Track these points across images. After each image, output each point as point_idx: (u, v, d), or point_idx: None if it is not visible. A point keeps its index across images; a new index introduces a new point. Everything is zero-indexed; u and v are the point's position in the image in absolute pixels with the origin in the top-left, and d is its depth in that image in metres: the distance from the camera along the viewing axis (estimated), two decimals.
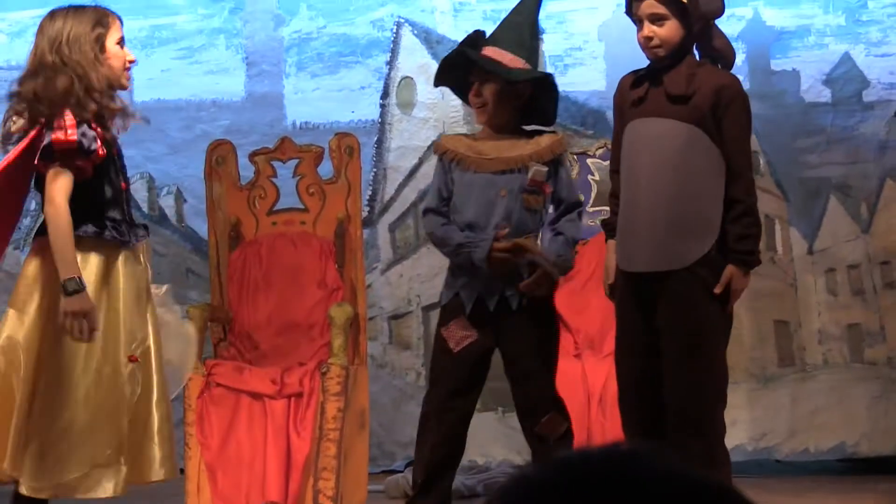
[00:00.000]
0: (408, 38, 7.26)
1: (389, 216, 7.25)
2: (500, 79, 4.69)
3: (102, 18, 4.37)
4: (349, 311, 5.94)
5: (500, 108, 4.74)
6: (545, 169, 4.70)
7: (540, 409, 4.72)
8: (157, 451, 4.41)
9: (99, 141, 4.22)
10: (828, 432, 7.03)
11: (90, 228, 4.28)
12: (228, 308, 6.23)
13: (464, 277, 4.73)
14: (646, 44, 4.52)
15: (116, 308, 4.34)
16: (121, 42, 4.40)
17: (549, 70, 7.31)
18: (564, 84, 7.29)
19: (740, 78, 7.19)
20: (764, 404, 7.08)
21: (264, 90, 7.30)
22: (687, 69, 4.51)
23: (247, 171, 6.50)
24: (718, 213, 4.49)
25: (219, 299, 6.27)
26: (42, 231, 4.26)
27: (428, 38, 7.09)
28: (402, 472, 6.40)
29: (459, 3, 7.24)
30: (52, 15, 4.40)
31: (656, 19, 4.50)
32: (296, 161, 6.43)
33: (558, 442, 4.70)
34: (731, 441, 6.34)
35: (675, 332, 4.50)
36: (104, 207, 4.32)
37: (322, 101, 7.27)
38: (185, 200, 7.24)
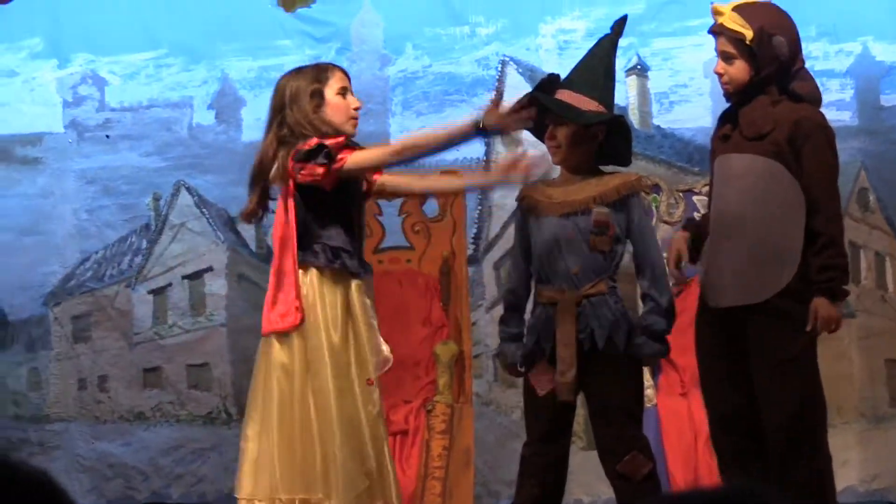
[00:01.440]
0: (512, 76, 7.28)
1: (495, 253, 7.25)
2: (573, 122, 4.71)
3: (321, 72, 4.62)
4: (454, 349, 5.95)
5: (573, 151, 4.77)
6: (606, 210, 4.69)
7: (620, 448, 4.68)
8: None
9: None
10: None
11: (331, 259, 4.51)
12: None
13: (542, 320, 4.73)
14: (719, 80, 4.60)
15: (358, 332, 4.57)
16: (342, 92, 4.60)
17: (654, 107, 7.30)
18: (670, 121, 7.29)
19: (848, 114, 7.21)
20: (875, 445, 6.95)
21: (370, 129, 7.34)
22: (762, 107, 4.52)
23: None
24: (799, 245, 4.48)
25: None
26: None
27: (532, 76, 7.09)
28: None
29: (564, 42, 7.25)
30: (280, 80, 4.70)
31: (727, 57, 4.58)
32: (401, 199, 6.47)
33: (641, 483, 4.66)
34: (841, 482, 6.23)
35: (762, 363, 4.49)
36: (326, 238, 4.53)
37: None
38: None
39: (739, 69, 4.57)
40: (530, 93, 4.81)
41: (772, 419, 4.50)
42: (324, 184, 4.44)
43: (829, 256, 4.46)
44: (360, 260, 4.63)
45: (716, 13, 4.61)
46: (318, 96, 4.57)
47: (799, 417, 4.49)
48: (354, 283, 4.59)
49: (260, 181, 4.62)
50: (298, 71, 4.69)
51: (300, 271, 4.51)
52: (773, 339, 4.49)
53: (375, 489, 4.46)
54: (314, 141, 4.44)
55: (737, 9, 4.57)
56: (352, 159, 4.46)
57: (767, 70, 4.53)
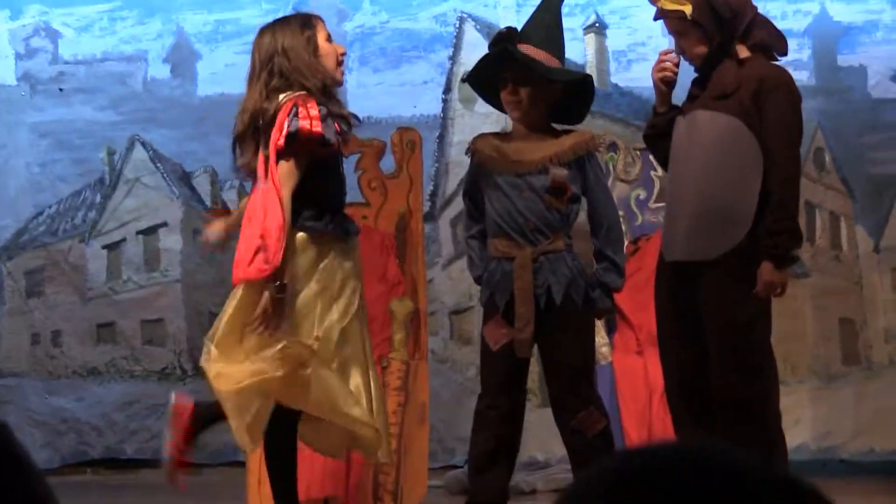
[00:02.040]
0: (470, 33, 7.26)
1: (451, 211, 7.24)
2: (537, 78, 4.68)
3: (307, 21, 4.56)
4: (410, 306, 5.94)
5: (534, 108, 4.76)
6: (565, 172, 4.69)
7: (575, 404, 4.70)
8: None
9: (336, 136, 4.39)
10: (893, 432, 6.95)
11: (310, 221, 4.46)
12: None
13: (497, 275, 4.74)
14: (682, 56, 4.59)
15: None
16: (329, 38, 4.57)
17: (612, 65, 7.29)
18: (628, 80, 7.29)
19: (805, 73, 7.23)
20: (828, 403, 7.01)
21: None
22: (728, 68, 4.52)
23: None
24: (752, 205, 4.47)
25: None
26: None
27: (490, 32, 7.05)
28: (462, 467, 6.40)
29: None
30: (261, 33, 4.57)
31: (679, 36, 4.57)
32: (357, 155, 6.44)
33: (595, 439, 4.68)
34: (794, 439, 6.29)
35: (711, 323, 4.51)
36: (320, 202, 4.48)
37: (384, 95, 7.28)
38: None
39: (694, 43, 4.57)
40: (502, 46, 4.76)
41: (719, 378, 4.51)
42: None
43: (778, 220, 4.45)
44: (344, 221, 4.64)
45: (652, 0, 4.60)
46: (312, 42, 4.50)
47: (745, 377, 4.49)
48: (351, 246, 4.62)
49: (253, 134, 4.50)
50: (283, 21, 4.61)
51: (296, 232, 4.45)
52: (722, 299, 4.50)
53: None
54: (304, 127, 4.32)
55: None
56: (290, 165, 4.36)
57: (718, 36, 4.53)
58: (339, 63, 4.58)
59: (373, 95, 7.29)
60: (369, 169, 6.37)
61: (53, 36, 7.46)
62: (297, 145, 4.31)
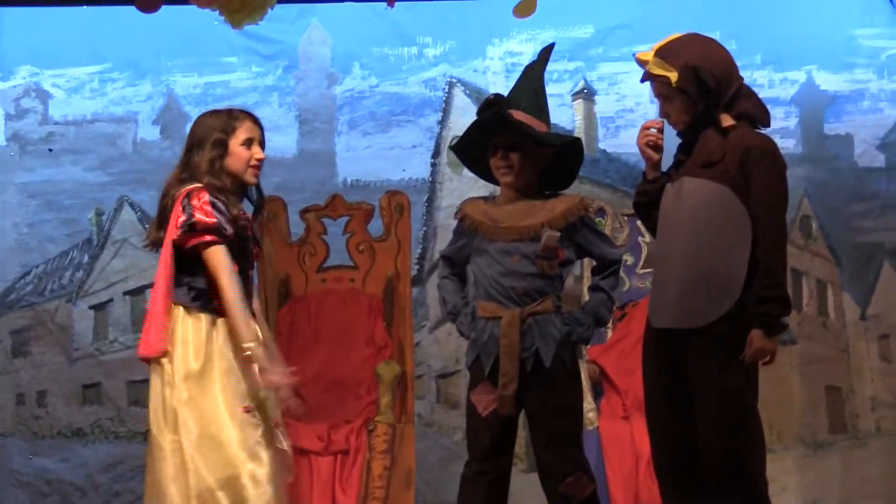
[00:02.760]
0: (459, 98, 7.30)
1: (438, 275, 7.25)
2: (528, 143, 4.72)
3: (230, 121, 4.78)
4: (397, 370, 5.94)
5: (525, 173, 4.79)
6: (557, 234, 4.72)
7: (563, 469, 4.69)
8: None
9: (230, 225, 4.64)
10: (881, 500, 6.93)
11: (196, 298, 4.69)
12: None
13: (485, 336, 4.74)
14: (667, 121, 4.62)
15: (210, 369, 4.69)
16: (247, 142, 4.75)
17: (600, 131, 7.33)
18: (616, 146, 7.32)
19: (792, 141, 7.28)
20: (815, 471, 7.00)
21: (316, 147, 7.34)
22: (711, 136, 4.54)
23: (297, 228, 6.53)
24: (742, 273, 4.47)
25: None
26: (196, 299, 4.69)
27: (479, 97, 7.10)
28: None
29: (511, 64, 7.27)
30: (197, 118, 4.87)
31: (664, 100, 4.60)
32: (346, 218, 6.46)
33: (584, 502, 4.68)
34: None
35: (699, 390, 4.50)
36: (201, 282, 4.69)
37: (373, 159, 7.31)
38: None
39: (679, 109, 4.60)
40: (494, 112, 4.79)
41: (707, 446, 4.50)
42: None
43: (766, 287, 4.45)
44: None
45: (641, 62, 4.63)
46: (221, 146, 4.73)
47: (733, 445, 4.47)
48: (219, 322, 4.70)
49: (162, 211, 4.78)
50: (213, 114, 4.85)
51: (173, 307, 4.71)
52: (710, 367, 4.49)
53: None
54: (183, 217, 4.61)
55: (659, 52, 4.59)
56: (214, 254, 4.63)
57: (703, 103, 4.55)
58: (252, 166, 4.77)
59: (362, 159, 7.32)
60: (357, 232, 6.39)
61: (44, 97, 7.48)
62: (201, 234, 4.61)
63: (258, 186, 4.86)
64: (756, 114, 4.62)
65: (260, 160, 4.80)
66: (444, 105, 7.33)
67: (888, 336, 7.17)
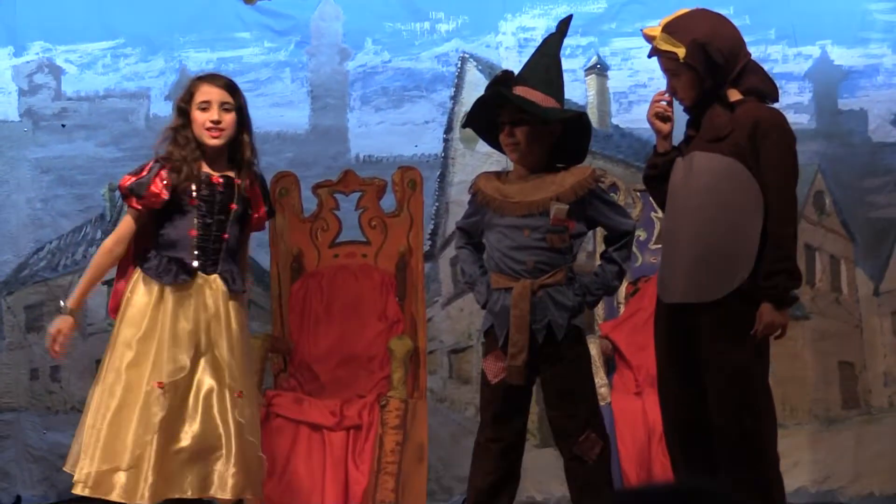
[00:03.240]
0: (472, 73, 7.28)
1: (451, 250, 7.24)
2: (533, 119, 4.71)
3: (188, 92, 4.93)
4: (409, 345, 5.94)
5: (532, 148, 4.77)
6: (566, 207, 4.71)
7: (575, 429, 4.71)
8: (186, 471, 4.71)
9: (159, 188, 4.78)
10: (893, 476, 6.93)
11: (143, 262, 4.88)
12: (289, 339, 6.25)
13: (497, 307, 4.76)
14: (674, 96, 4.61)
15: (151, 337, 4.77)
16: (203, 106, 4.87)
17: (613, 107, 7.32)
18: (629, 121, 7.31)
19: (806, 117, 7.25)
20: (827, 446, 6.99)
21: (328, 123, 7.34)
22: (720, 111, 4.53)
23: (310, 204, 6.53)
24: (754, 247, 4.46)
25: (280, 330, 6.29)
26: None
27: (492, 73, 7.07)
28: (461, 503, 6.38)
29: (524, 39, 7.26)
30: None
31: (672, 75, 4.59)
32: (359, 194, 6.46)
33: (595, 462, 4.70)
34: (792, 483, 6.27)
35: (711, 365, 4.49)
36: (161, 247, 4.86)
37: (386, 134, 7.30)
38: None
39: (686, 84, 4.57)
40: (494, 89, 4.80)
41: (718, 421, 4.50)
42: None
43: (776, 260, 4.43)
44: (179, 266, 4.83)
45: (648, 38, 4.62)
46: (181, 114, 4.91)
47: (744, 421, 4.47)
48: (168, 289, 4.83)
49: None
50: (189, 83, 5.02)
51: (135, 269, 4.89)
52: (721, 342, 4.48)
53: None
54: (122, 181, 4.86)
55: (666, 28, 4.57)
56: (125, 216, 4.91)
57: (710, 79, 4.53)
58: (207, 128, 4.87)
59: (374, 134, 7.31)
60: (370, 207, 6.39)
61: (56, 73, 7.48)
62: (122, 197, 4.89)
63: (253, 148, 4.93)
64: (764, 89, 4.61)
65: (214, 122, 4.86)
66: (456, 80, 7.31)
67: None
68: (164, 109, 7.44)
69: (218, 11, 7.29)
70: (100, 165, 7.40)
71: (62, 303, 4.97)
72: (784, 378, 6.81)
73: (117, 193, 7.36)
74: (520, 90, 4.75)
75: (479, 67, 7.28)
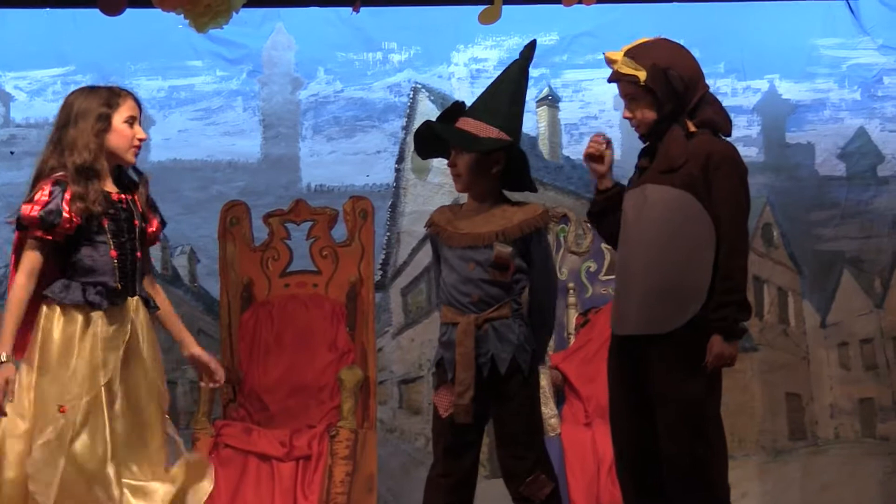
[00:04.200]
0: (424, 104, 7.30)
1: (402, 280, 7.25)
2: (466, 150, 4.73)
3: (112, 98, 4.62)
4: (359, 375, 5.94)
5: (475, 178, 4.79)
6: (508, 249, 4.72)
7: (523, 470, 4.71)
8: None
9: (70, 214, 4.47)
10: None
11: (59, 293, 4.54)
12: (239, 369, 6.22)
13: (445, 339, 4.76)
14: (630, 123, 4.64)
15: (47, 364, 4.50)
16: (130, 120, 4.62)
17: (564, 138, 7.35)
18: (580, 153, 7.27)
19: (754, 150, 7.32)
20: (775, 478, 7.03)
21: (280, 152, 7.33)
22: (675, 140, 4.56)
23: (260, 233, 6.52)
24: (706, 279, 4.48)
25: (229, 360, 6.26)
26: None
27: (444, 103, 7.12)
28: None
29: (476, 70, 7.29)
30: (71, 93, 4.68)
31: (630, 101, 4.62)
32: (310, 223, 6.46)
33: (543, 503, 4.69)
34: None
35: (663, 397, 4.49)
36: (79, 273, 4.55)
37: (337, 164, 7.31)
38: (198, 260, 7.25)
39: (644, 110, 4.60)
40: (425, 122, 4.83)
41: (669, 452, 4.50)
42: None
43: (726, 292, 4.45)
44: (97, 291, 4.58)
45: (610, 62, 4.65)
46: (104, 120, 4.59)
47: (695, 452, 4.48)
48: (95, 316, 4.57)
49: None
50: (91, 90, 4.68)
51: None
52: (673, 373, 4.49)
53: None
54: (24, 212, 4.51)
55: (629, 53, 4.62)
56: (27, 247, 4.51)
57: (669, 105, 4.56)
58: (133, 146, 4.65)
59: (326, 164, 7.31)
60: (321, 237, 6.38)
61: (6, 99, 7.44)
62: (27, 229, 4.50)
63: (135, 167, 4.72)
64: (718, 122, 4.65)
65: (142, 140, 4.69)
66: (408, 111, 7.33)
67: (847, 344, 7.22)
68: None
69: (170, 39, 7.27)
70: None
71: (2, 354, 4.46)
72: (732, 409, 6.85)
73: None
74: (462, 122, 4.77)
75: (431, 98, 7.31)
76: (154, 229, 4.75)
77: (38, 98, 7.43)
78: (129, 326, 4.58)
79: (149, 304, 4.67)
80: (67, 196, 4.48)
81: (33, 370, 4.49)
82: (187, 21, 5.68)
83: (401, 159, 7.31)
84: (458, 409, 4.68)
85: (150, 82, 7.40)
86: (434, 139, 4.86)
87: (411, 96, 7.34)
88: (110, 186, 4.63)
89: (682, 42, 4.77)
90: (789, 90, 7.34)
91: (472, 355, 4.68)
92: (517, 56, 4.96)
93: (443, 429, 4.76)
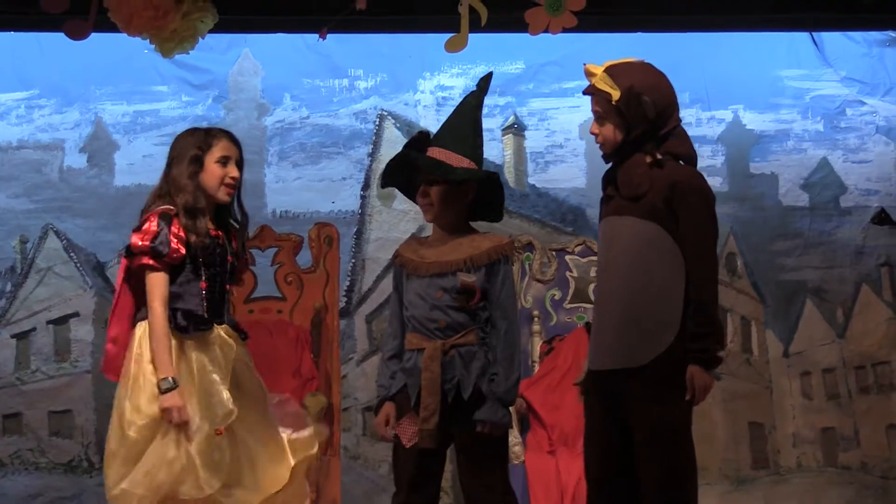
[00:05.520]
0: (390, 131, 7.31)
1: (367, 307, 7.24)
2: (445, 180, 4.74)
3: (206, 140, 4.83)
4: (323, 402, 5.92)
5: (446, 208, 4.80)
6: (472, 279, 4.73)
7: (486, 499, 4.69)
8: None
9: (176, 244, 4.69)
10: None
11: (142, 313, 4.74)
12: None
13: (410, 366, 4.75)
14: (595, 140, 4.63)
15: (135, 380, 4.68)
16: (223, 160, 4.81)
17: (530, 166, 7.38)
18: (545, 181, 7.37)
19: (719, 179, 7.37)
20: None
21: (245, 178, 7.28)
22: (638, 166, 4.53)
23: None
24: (678, 311, 4.45)
25: None
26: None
27: (410, 130, 7.14)
28: None
29: (442, 98, 7.31)
30: (177, 135, 4.93)
31: (599, 118, 4.58)
32: (275, 249, 6.44)
33: None
34: None
35: (639, 428, 4.46)
36: (172, 300, 4.72)
37: (303, 190, 7.30)
38: None
39: (611, 130, 4.55)
40: (402, 151, 4.83)
41: (645, 484, 4.48)
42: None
43: (699, 324, 4.42)
44: (193, 319, 4.75)
45: (588, 74, 4.62)
46: (196, 163, 4.79)
47: (671, 485, 4.47)
48: (188, 342, 4.74)
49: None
50: (190, 132, 4.90)
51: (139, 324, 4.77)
52: (650, 406, 4.45)
53: None
54: (134, 242, 4.69)
55: (609, 69, 4.58)
56: (148, 279, 4.69)
57: (637, 130, 4.53)
58: (225, 184, 4.81)
59: (291, 190, 7.31)
60: (286, 263, 6.37)
61: None
62: (136, 258, 4.70)
63: (241, 204, 4.91)
64: (683, 153, 4.60)
65: (234, 178, 4.83)
66: (374, 137, 7.34)
67: (810, 373, 7.26)
68: (78, 162, 7.39)
69: (135, 64, 7.26)
70: (11, 217, 7.32)
71: (169, 378, 4.61)
72: (695, 438, 6.85)
73: (29, 245, 7.30)
74: (433, 151, 4.78)
75: (398, 125, 7.32)
76: (242, 268, 4.93)
77: (1, 122, 7.41)
78: (217, 351, 4.72)
79: (239, 331, 4.83)
80: (174, 229, 4.70)
81: (128, 388, 4.65)
82: (153, 46, 5.68)
83: (366, 186, 7.31)
84: (423, 435, 4.67)
85: (114, 107, 7.38)
86: (400, 169, 4.87)
87: (377, 123, 7.34)
88: (211, 222, 4.80)
89: None
90: (753, 120, 7.39)
91: (438, 380, 4.68)
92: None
93: (405, 459, 4.75)
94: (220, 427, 4.61)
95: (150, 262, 4.66)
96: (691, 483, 4.53)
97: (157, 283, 4.69)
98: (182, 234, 4.70)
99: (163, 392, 4.57)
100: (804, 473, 7.15)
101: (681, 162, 4.57)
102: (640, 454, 4.46)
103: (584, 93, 4.64)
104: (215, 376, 4.69)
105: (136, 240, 4.68)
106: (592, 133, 4.61)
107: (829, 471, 7.15)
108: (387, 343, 4.93)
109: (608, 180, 4.64)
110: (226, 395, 4.67)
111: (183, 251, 4.69)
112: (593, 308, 4.70)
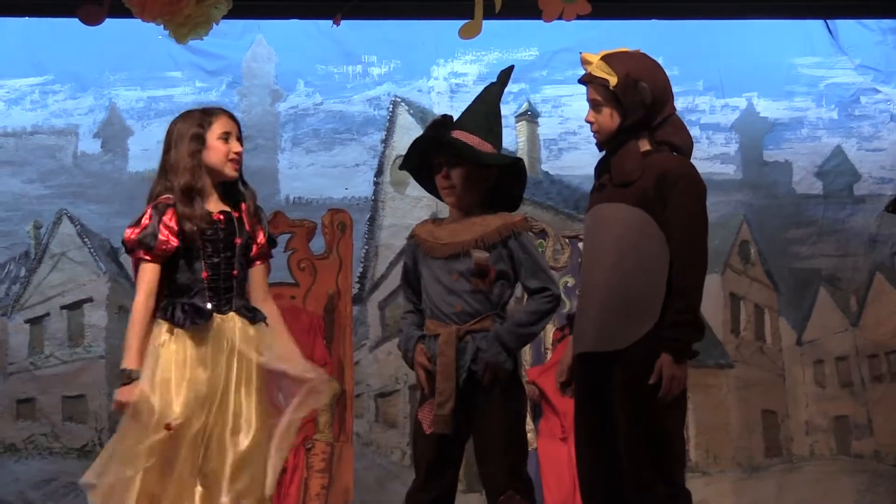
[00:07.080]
0: (403, 118, 7.31)
1: (380, 294, 7.25)
2: (469, 162, 4.73)
3: (205, 118, 4.77)
4: (336, 388, 5.93)
5: (467, 192, 4.78)
6: (486, 255, 4.71)
7: (501, 483, 4.69)
8: None
9: (166, 236, 4.61)
10: None
11: (163, 312, 4.68)
12: None
13: (429, 352, 4.75)
14: (590, 128, 4.62)
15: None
16: (224, 136, 4.74)
17: (543, 153, 7.37)
18: (559, 168, 7.36)
19: (732, 167, 7.35)
20: (750, 494, 7.05)
21: (259, 164, 7.32)
22: (631, 154, 4.54)
23: None
24: (660, 295, 4.44)
25: None
26: None
27: (423, 117, 7.14)
28: None
29: (456, 85, 7.30)
30: (173, 120, 4.84)
31: (595, 105, 4.58)
32: (288, 235, 6.45)
33: None
34: None
35: (622, 412, 4.46)
36: (175, 293, 4.68)
37: (316, 176, 7.30)
38: None
39: (607, 116, 4.55)
40: (432, 132, 4.81)
41: (627, 465, 4.47)
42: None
43: (677, 313, 4.39)
44: (193, 309, 4.69)
45: (585, 62, 4.64)
46: (198, 140, 4.73)
47: (655, 464, 4.45)
48: (184, 334, 4.68)
49: None
50: (186, 114, 4.84)
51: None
52: (631, 388, 4.45)
53: None
54: (126, 236, 4.66)
55: (605, 57, 4.60)
56: (140, 269, 4.65)
57: (634, 117, 4.53)
58: (231, 160, 4.75)
59: (304, 176, 7.31)
60: (299, 249, 6.38)
61: None
62: (130, 251, 4.67)
63: (243, 180, 4.82)
64: (678, 144, 4.60)
65: (238, 153, 4.77)
66: (387, 124, 7.34)
67: (823, 361, 7.25)
68: (92, 147, 7.40)
69: (149, 49, 7.27)
70: (25, 202, 7.33)
71: (128, 368, 4.58)
72: (708, 426, 6.87)
73: (43, 231, 7.32)
74: (458, 134, 4.77)
75: (411, 111, 7.31)
76: (259, 244, 4.81)
77: (16, 107, 7.42)
78: (223, 344, 4.66)
79: (250, 316, 4.73)
80: (165, 219, 4.64)
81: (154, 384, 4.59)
82: (167, 32, 5.68)
83: (380, 172, 7.31)
84: (437, 420, 4.67)
85: (128, 92, 7.39)
86: (420, 151, 4.86)
87: (391, 110, 7.34)
88: (217, 204, 4.73)
89: (660, 59, 4.77)
90: (767, 108, 7.37)
91: (453, 365, 4.67)
92: (497, 72, 4.98)
93: (424, 444, 4.75)
94: (170, 423, 4.53)
95: (142, 254, 4.63)
96: (674, 461, 4.47)
97: (144, 275, 4.65)
98: (174, 223, 4.63)
99: (122, 383, 4.54)
100: (817, 461, 7.14)
101: (675, 150, 4.57)
102: (624, 435, 4.45)
103: (580, 81, 4.66)
104: (199, 374, 4.61)
105: (129, 233, 4.66)
106: (588, 121, 4.61)
107: (842, 459, 7.14)
108: (405, 308, 4.93)
109: (602, 169, 4.65)
110: (193, 394, 4.57)
111: (174, 242, 4.63)
112: (578, 293, 4.69)
